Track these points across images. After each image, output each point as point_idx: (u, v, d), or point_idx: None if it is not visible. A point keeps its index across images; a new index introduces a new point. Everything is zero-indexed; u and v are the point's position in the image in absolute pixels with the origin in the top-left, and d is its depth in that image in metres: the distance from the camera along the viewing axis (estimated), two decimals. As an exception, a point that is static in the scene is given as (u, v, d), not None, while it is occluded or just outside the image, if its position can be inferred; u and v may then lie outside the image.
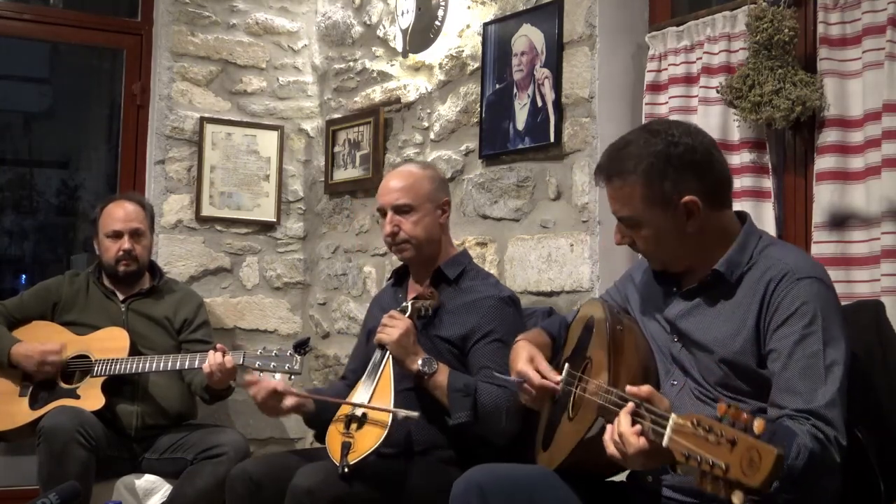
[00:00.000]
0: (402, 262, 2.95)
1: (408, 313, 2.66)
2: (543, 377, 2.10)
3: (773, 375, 1.81)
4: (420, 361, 2.59)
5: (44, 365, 3.32)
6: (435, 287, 2.78)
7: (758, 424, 1.41)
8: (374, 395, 2.54)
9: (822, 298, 1.83)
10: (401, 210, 2.78)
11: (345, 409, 2.55)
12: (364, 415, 2.50)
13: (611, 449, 1.70)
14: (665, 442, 1.54)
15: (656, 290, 2.10)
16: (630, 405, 1.68)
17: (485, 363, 2.63)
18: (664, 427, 1.55)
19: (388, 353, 2.61)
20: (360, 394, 2.58)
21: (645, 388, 1.69)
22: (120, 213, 3.56)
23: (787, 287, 1.84)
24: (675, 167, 1.92)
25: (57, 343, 3.38)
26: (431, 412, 2.60)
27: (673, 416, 1.55)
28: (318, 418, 2.74)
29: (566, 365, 2.13)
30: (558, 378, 2.09)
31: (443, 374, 2.60)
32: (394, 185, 2.82)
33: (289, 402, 2.69)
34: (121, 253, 3.51)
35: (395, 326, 2.61)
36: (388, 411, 2.46)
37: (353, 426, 2.49)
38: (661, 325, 2.06)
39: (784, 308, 1.83)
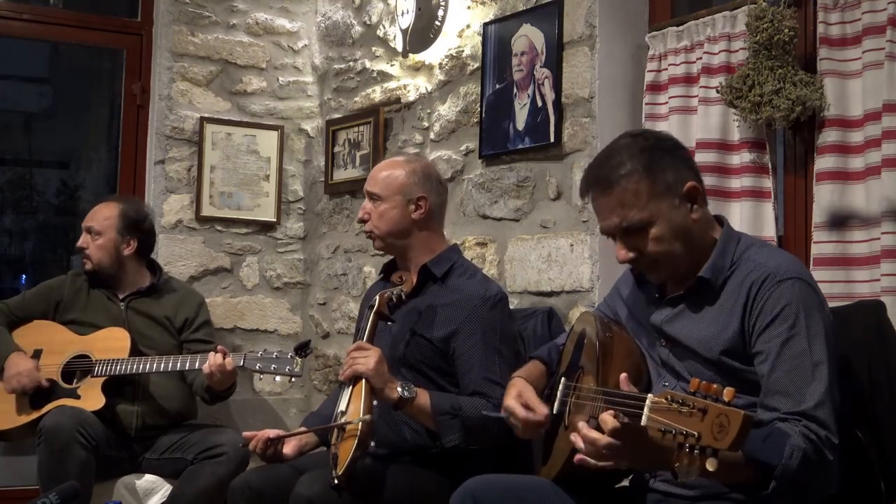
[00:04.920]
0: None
1: (375, 307, 2.59)
2: (530, 410, 2.11)
3: (762, 377, 1.84)
4: (399, 388, 2.48)
5: (19, 377, 3.28)
6: (422, 285, 2.72)
7: (727, 392, 1.48)
8: (350, 403, 2.47)
9: (804, 298, 1.85)
10: (372, 197, 2.76)
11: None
12: (346, 423, 2.43)
13: (581, 446, 1.74)
14: (644, 421, 1.59)
15: (641, 299, 2.13)
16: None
17: (473, 374, 2.58)
18: (642, 408, 1.61)
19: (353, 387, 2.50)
20: (341, 403, 2.52)
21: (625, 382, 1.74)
22: (91, 211, 3.59)
23: (770, 289, 1.86)
24: (671, 157, 1.97)
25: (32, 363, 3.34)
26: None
27: (649, 395, 1.62)
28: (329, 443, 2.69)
29: (562, 379, 2.15)
30: (545, 411, 2.11)
31: (424, 398, 2.51)
32: (374, 171, 2.82)
33: (288, 449, 2.69)
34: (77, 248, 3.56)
35: (367, 355, 2.46)
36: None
37: (340, 436, 2.44)
38: (649, 332, 2.09)
39: (768, 310, 1.85)
